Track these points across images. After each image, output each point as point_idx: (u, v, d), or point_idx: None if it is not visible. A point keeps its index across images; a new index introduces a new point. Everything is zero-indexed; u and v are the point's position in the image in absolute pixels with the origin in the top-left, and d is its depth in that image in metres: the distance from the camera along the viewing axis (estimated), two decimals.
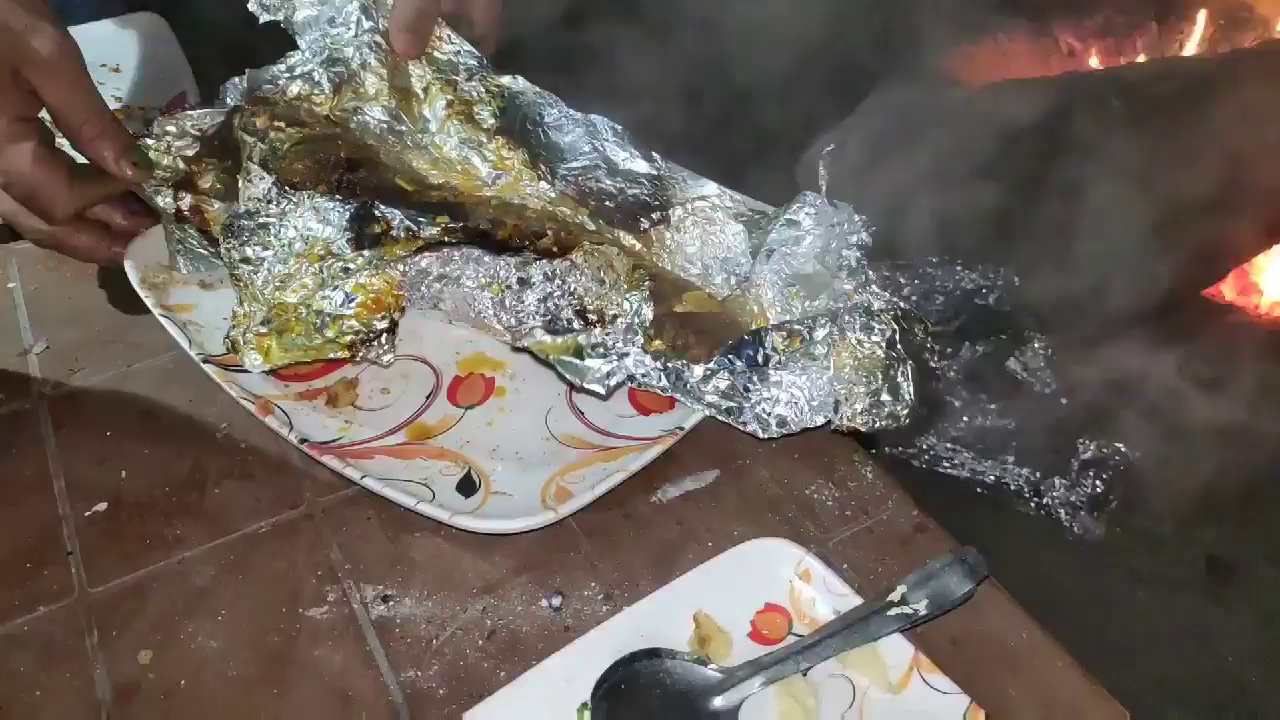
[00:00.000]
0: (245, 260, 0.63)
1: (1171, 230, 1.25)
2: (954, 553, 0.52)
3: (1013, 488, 1.18)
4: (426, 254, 0.65)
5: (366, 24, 0.73)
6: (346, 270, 0.63)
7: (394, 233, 0.64)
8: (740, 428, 0.58)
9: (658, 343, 0.59)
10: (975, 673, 0.50)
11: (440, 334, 0.68)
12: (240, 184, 0.66)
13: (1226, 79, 1.42)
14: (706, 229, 0.69)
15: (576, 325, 0.61)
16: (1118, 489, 1.15)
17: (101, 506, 0.58)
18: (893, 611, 0.50)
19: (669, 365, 0.58)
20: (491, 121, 0.75)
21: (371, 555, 0.56)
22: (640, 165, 0.71)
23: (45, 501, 0.59)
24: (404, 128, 0.75)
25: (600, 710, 0.47)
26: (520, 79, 0.75)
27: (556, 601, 0.54)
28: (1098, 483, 1.16)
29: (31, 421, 0.64)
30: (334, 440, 0.60)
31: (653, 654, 0.50)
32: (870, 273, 0.64)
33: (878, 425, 0.59)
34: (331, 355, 0.63)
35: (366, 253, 0.63)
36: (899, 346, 0.60)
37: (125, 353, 0.68)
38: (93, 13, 0.94)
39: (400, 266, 0.64)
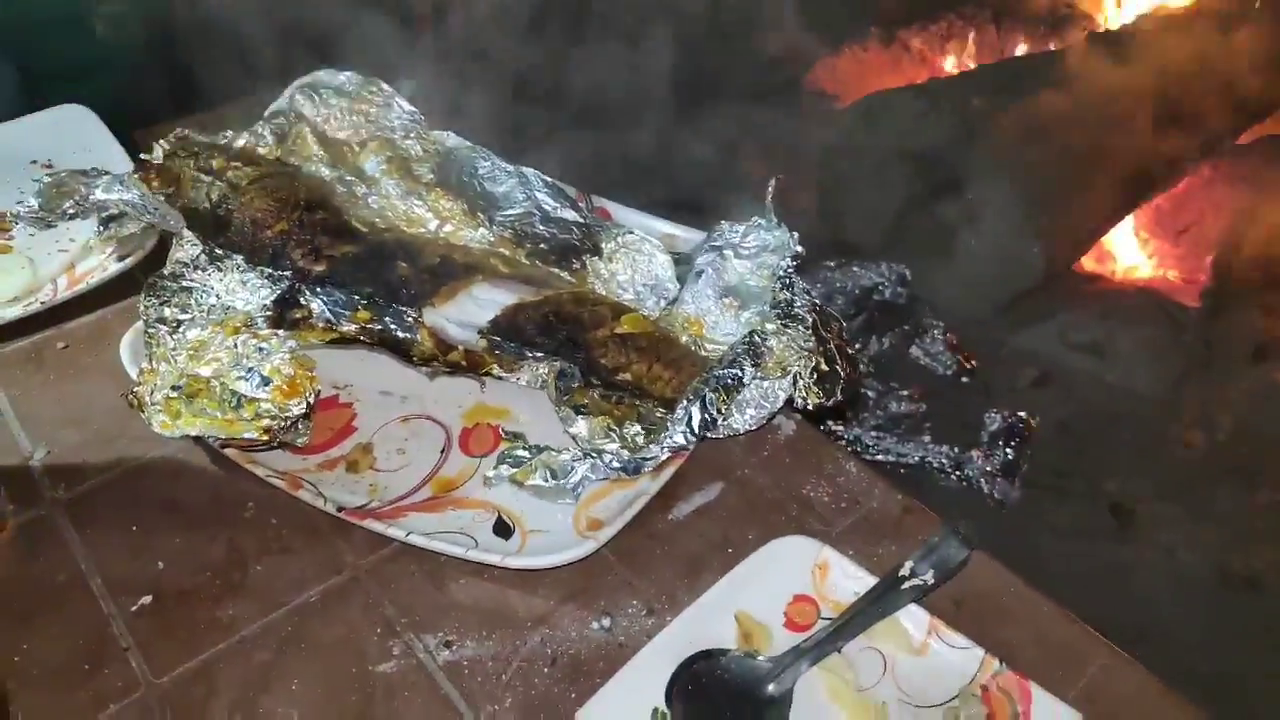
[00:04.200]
0: (161, 320, 0.66)
1: (1041, 215, 1.38)
2: (949, 526, 0.59)
3: (935, 465, 1.28)
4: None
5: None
6: (262, 350, 0.65)
7: (313, 320, 0.69)
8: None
9: (581, 395, 0.66)
10: (980, 627, 0.57)
11: (439, 390, 0.72)
12: (173, 244, 0.69)
13: (1063, 73, 1.57)
14: (635, 260, 0.75)
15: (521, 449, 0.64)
16: (1026, 454, 1.27)
17: (147, 599, 0.60)
18: (905, 585, 0.57)
19: (621, 452, 0.62)
20: (430, 177, 0.80)
21: (424, 606, 0.60)
22: (570, 214, 0.77)
23: (86, 601, 0.60)
24: (350, 178, 0.80)
25: (677, 712, 0.53)
26: (453, 135, 0.80)
27: (606, 622, 0.59)
28: (1008, 450, 1.27)
29: (50, 527, 0.64)
30: (366, 504, 0.63)
31: (707, 655, 0.56)
32: (800, 283, 0.70)
33: (829, 401, 0.65)
34: (246, 435, 0.62)
35: (282, 333, 0.66)
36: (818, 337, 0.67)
37: (131, 447, 0.69)
38: (14, 109, 0.93)
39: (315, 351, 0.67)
